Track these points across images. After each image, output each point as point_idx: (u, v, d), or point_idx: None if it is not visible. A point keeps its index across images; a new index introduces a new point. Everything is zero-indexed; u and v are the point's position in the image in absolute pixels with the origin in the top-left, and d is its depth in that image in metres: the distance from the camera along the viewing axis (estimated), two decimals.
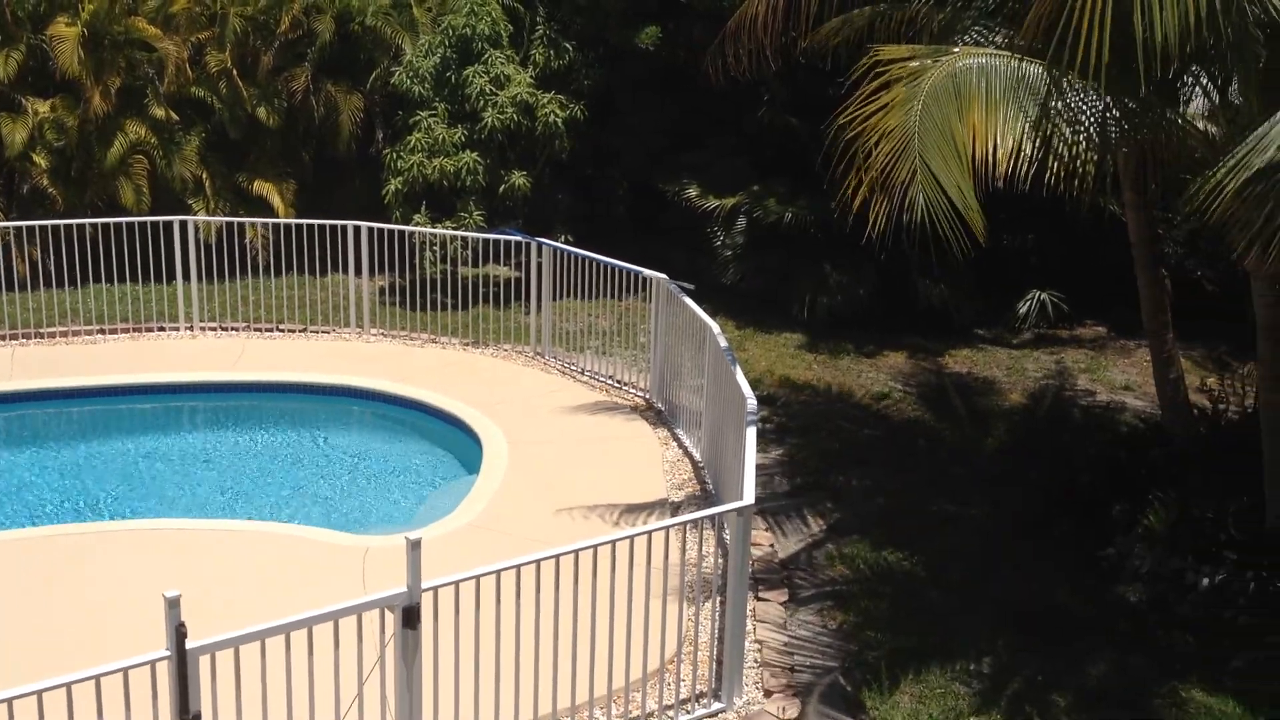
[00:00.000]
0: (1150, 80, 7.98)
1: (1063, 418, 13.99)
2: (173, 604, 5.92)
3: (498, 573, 7.07)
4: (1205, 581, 9.97)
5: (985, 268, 16.95)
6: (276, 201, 17.39)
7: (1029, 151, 8.48)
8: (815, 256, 16.18)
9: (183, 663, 5.96)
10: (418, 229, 15.91)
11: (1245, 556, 9.79)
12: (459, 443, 12.52)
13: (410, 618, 6.68)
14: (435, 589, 6.81)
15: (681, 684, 8.20)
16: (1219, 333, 15.84)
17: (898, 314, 16.50)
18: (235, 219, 16.44)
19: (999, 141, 8.33)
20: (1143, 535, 10.42)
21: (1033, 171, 8.50)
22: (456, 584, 6.96)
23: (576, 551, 7.32)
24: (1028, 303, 16.38)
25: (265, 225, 16.70)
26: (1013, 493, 11.95)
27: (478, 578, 7.02)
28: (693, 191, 16.55)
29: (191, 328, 15.35)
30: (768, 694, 8.31)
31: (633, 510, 10.71)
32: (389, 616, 6.74)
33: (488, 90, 16.45)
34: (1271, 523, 9.91)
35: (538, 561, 7.20)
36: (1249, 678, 8.96)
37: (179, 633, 5.92)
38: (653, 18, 16.56)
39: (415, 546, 6.59)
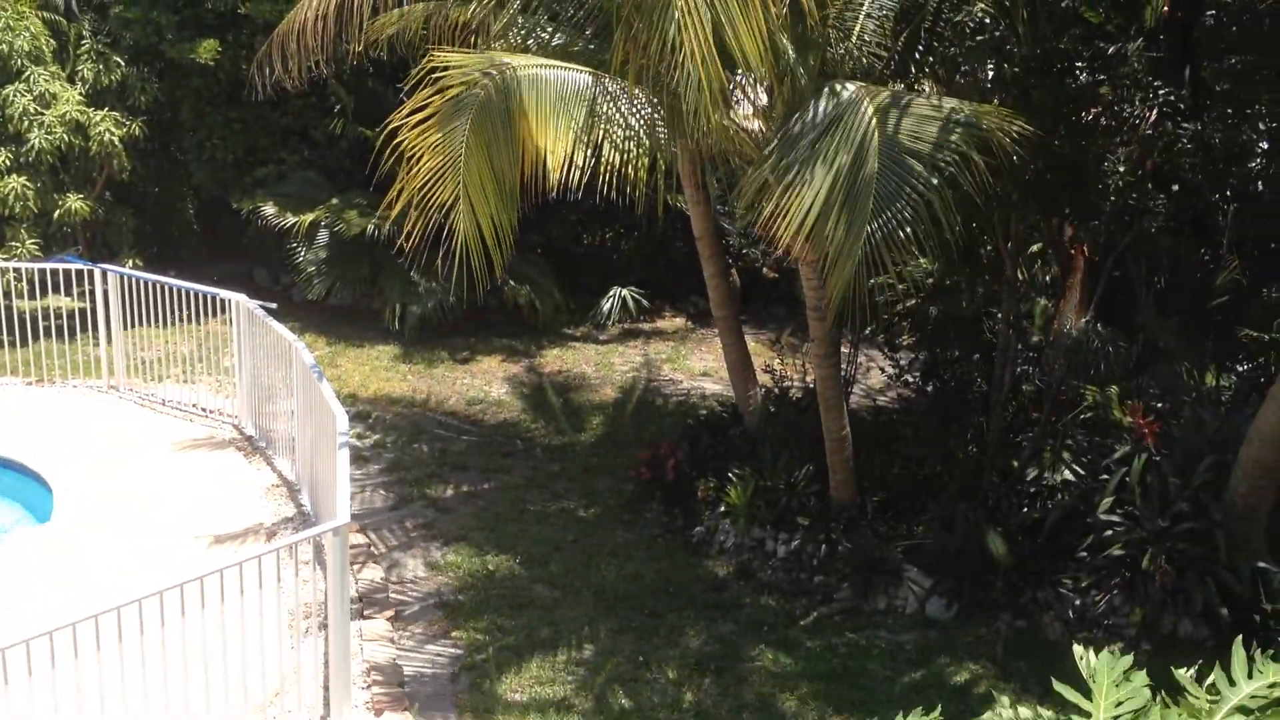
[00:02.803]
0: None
1: (650, 407, 14.67)
2: None
3: (73, 625, 6.63)
4: (782, 548, 10.78)
5: (568, 268, 17.51)
6: None
7: (581, 159, 8.78)
8: (403, 266, 16.11)
9: None
10: None
11: (814, 522, 10.65)
12: (26, 491, 11.57)
13: None
14: (2, 652, 6.30)
15: (289, 715, 7.98)
16: (784, 316, 17.10)
17: (489, 318, 16.73)
18: None
19: (551, 150, 8.59)
20: (726, 511, 11.13)
21: (586, 177, 8.81)
22: (27, 643, 6.47)
23: (161, 593, 6.98)
24: (610, 300, 17.02)
25: None
26: (608, 483, 12.43)
27: (51, 634, 6.55)
28: (269, 209, 16.05)
29: None
30: (379, 712, 8.24)
31: (227, 542, 10.29)
32: None
33: (32, 110, 15.29)
34: (834, 488, 10.83)
35: (118, 609, 6.81)
36: (818, 631, 9.77)
37: None
38: (211, 30, 15.93)
39: None
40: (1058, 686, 2.99)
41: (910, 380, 12.42)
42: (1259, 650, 3.11)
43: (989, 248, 11.53)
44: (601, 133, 8.94)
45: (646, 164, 9.13)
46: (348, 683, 8.19)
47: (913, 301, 12.43)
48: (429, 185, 8.44)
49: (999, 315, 11.04)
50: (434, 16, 10.49)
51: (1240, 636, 3.25)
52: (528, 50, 9.94)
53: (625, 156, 9.04)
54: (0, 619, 6.89)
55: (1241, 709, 2.90)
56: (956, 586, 10.03)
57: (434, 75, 8.74)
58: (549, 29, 10.42)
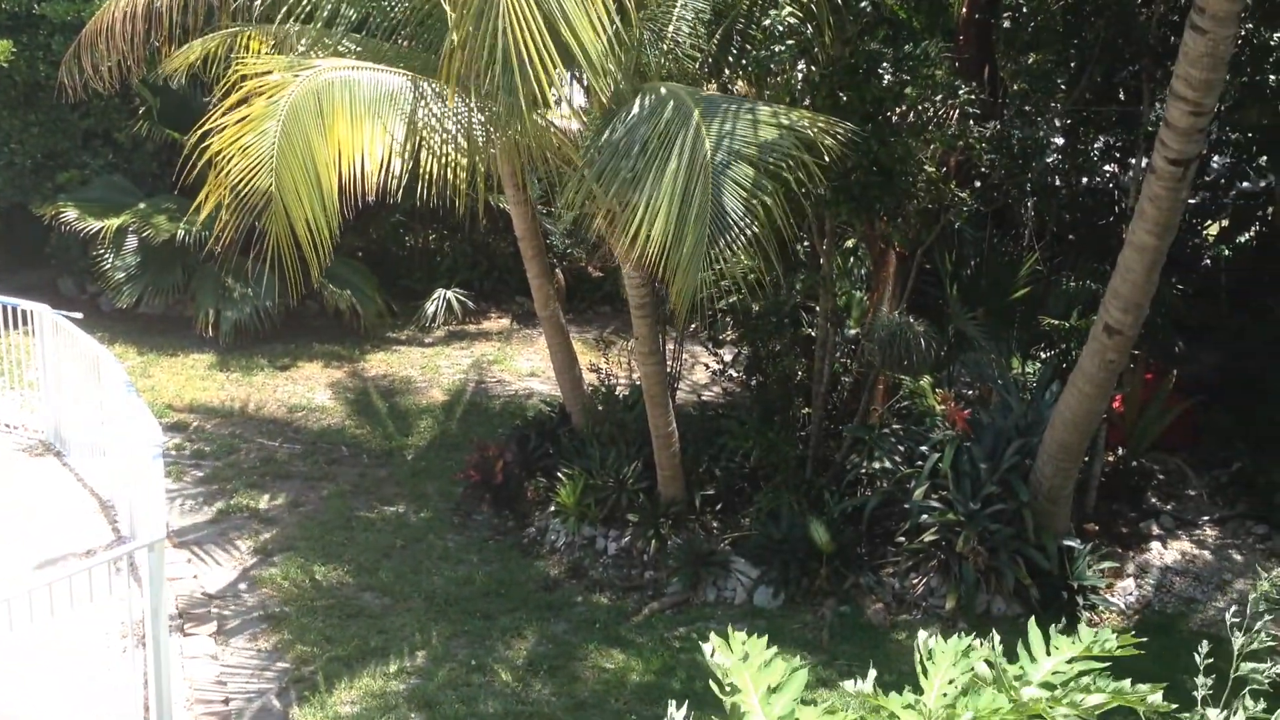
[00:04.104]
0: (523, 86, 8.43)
1: (479, 409, 14.58)
2: None
3: None
4: (613, 545, 10.86)
5: (390, 270, 17.29)
6: None
7: (400, 159, 8.66)
8: (216, 271, 15.65)
9: None
10: None
11: (644, 518, 10.75)
12: None
13: None
14: None
15: None
16: (609, 314, 17.22)
17: (310, 323, 16.41)
18: None
19: (367, 152, 8.46)
20: (556, 511, 11.15)
21: (405, 179, 8.70)
22: None
23: None
24: (434, 302, 16.83)
25: None
26: (437, 487, 12.32)
27: None
28: (70, 214, 15.38)
29: None
30: None
31: (38, 566, 9.85)
32: None
33: None
34: (663, 484, 10.94)
35: None
36: (650, 626, 9.87)
37: None
38: (4, 31, 15.18)
39: None
40: (919, 657, 3.09)
41: (734, 375, 12.63)
42: (1063, 625, 3.26)
43: (805, 244, 11.82)
44: (419, 137, 8.84)
45: (465, 165, 9.07)
46: (169, 702, 7.92)
47: (734, 298, 12.65)
48: (240, 188, 8.23)
49: (817, 309, 11.33)
50: (236, 41, 10.20)
51: (1034, 617, 3.42)
52: (340, 55, 9.76)
53: (444, 159, 8.95)
54: None
55: (1046, 685, 3.04)
56: (783, 575, 10.25)
57: (243, 80, 8.53)
58: (355, 38, 10.22)
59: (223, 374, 14.96)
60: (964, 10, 12.00)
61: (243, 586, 10.24)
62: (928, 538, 10.08)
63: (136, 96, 15.79)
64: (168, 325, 16.04)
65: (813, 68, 10.44)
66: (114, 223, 15.22)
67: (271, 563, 10.61)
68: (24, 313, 12.11)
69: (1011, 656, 3.11)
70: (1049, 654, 3.13)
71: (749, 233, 8.02)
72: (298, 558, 10.66)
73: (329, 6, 10.04)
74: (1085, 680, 3.04)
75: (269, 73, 8.41)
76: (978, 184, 11.32)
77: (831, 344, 11.20)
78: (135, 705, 7.96)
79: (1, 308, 12.18)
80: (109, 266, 15.71)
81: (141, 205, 15.59)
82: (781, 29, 9.91)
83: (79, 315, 11.79)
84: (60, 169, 16.15)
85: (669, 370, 11.61)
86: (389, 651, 9.25)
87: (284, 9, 9.89)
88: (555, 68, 7.78)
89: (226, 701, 8.41)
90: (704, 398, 13.78)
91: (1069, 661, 3.09)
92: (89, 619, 8.04)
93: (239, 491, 11.93)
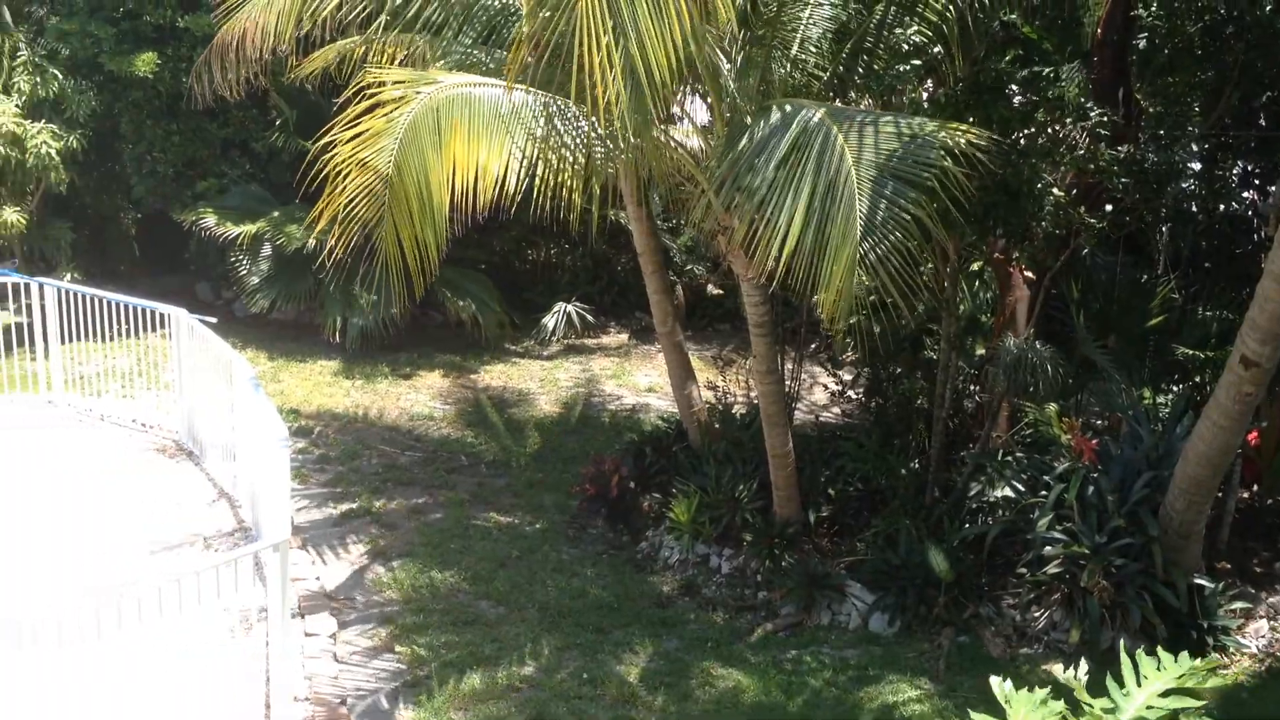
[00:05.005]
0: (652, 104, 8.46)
1: (595, 423, 14.66)
2: None
3: None
4: (727, 564, 10.81)
5: (512, 283, 17.49)
6: None
7: (516, 177, 8.72)
8: (346, 279, 16.00)
9: None
10: None
11: (758, 538, 10.68)
12: None
13: None
14: None
15: None
16: (728, 332, 17.21)
17: (431, 332, 16.68)
18: None
19: (482, 169, 8.55)
20: (670, 527, 11.14)
21: (521, 195, 8.75)
22: None
23: (98, 609, 6.87)
24: (554, 316, 17.00)
25: None
26: (553, 499, 12.41)
27: None
28: (210, 220, 15.89)
29: None
30: None
31: (169, 558, 10.16)
32: None
33: None
34: (778, 504, 10.87)
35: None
36: (763, 647, 9.79)
37: None
38: (149, 43, 15.78)
39: None
40: (975, 718, 3.01)
41: (853, 397, 12.50)
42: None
43: (928, 265, 11.66)
44: (537, 151, 8.90)
45: (582, 182, 9.09)
46: (289, 697, 8.10)
47: (854, 319, 12.53)
48: (355, 202, 8.40)
49: (939, 332, 11.16)
50: (370, 47, 10.43)
51: (1123, 642, 3.30)
52: (468, 68, 9.90)
53: (560, 176, 8.98)
54: None
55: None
56: (899, 602, 10.10)
57: (368, 90, 8.70)
58: (481, 51, 10.37)
59: (348, 381, 15.29)
60: (1099, 31, 11.75)
61: (361, 588, 10.43)
62: (1051, 570, 9.82)
63: (273, 107, 16.25)
64: (298, 331, 16.45)
65: (939, 87, 10.31)
66: (250, 230, 15.67)
67: (390, 566, 10.79)
68: (161, 316, 12.51)
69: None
70: (1139, 684, 3.01)
71: (889, 242, 7.88)
72: (416, 563, 10.83)
73: (456, 23, 10.22)
74: None
75: (400, 82, 8.57)
76: (1108, 208, 11.06)
77: (954, 368, 11.02)
78: (257, 700, 8.14)
79: (141, 310, 12.61)
80: (244, 273, 16.19)
81: (275, 214, 16.03)
82: (908, 47, 9.81)
83: (213, 320, 12.15)
84: (199, 177, 16.69)
85: (787, 390, 11.54)
86: (501, 660, 9.34)
87: (417, 22, 10.10)
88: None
89: (343, 701, 8.56)
90: (822, 419, 13.66)
91: (1163, 695, 2.96)
92: (212, 614, 8.26)
93: (361, 496, 12.17)
